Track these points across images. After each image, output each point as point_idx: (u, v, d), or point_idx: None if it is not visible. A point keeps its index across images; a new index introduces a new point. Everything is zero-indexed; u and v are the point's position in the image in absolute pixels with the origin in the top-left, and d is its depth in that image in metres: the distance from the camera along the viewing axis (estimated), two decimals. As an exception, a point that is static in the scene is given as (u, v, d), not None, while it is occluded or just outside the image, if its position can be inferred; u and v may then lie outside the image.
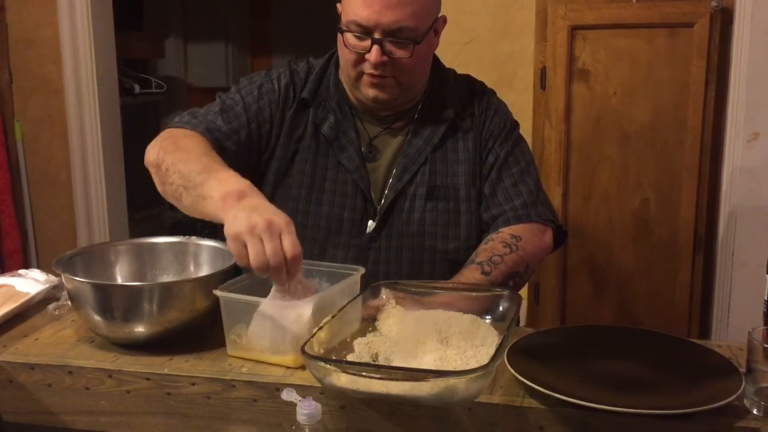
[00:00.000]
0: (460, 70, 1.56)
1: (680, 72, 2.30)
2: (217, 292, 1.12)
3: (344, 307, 1.11)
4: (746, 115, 2.29)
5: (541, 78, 2.44)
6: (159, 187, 1.31)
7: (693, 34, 2.27)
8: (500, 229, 1.41)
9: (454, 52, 2.53)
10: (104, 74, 3.12)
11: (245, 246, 1.03)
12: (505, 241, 1.36)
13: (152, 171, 1.32)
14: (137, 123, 4.01)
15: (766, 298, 1.11)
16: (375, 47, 1.32)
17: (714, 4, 2.24)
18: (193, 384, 1.08)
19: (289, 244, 1.03)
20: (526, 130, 1.57)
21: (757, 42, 2.26)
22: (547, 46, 2.40)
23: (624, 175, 2.39)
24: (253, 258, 1.02)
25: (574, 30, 2.34)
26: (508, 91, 2.51)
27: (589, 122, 2.40)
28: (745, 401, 0.97)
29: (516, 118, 1.54)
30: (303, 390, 1.00)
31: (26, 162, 3.16)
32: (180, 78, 4.88)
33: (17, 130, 3.12)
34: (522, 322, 2.40)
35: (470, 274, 1.30)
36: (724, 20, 2.28)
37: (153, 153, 1.32)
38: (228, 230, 1.05)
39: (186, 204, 1.22)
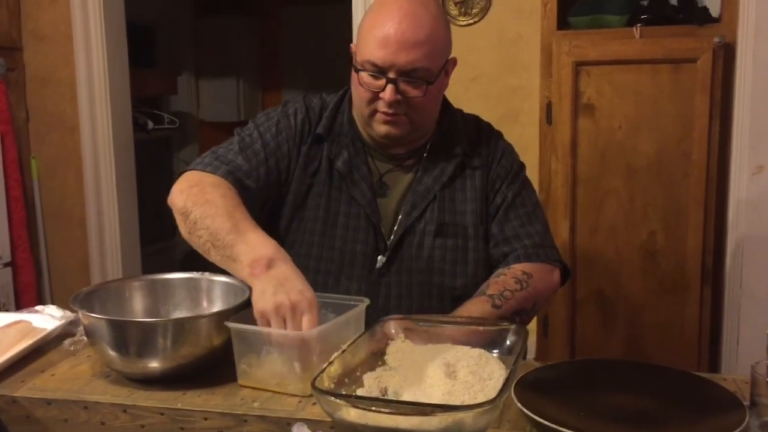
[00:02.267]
0: (467, 106, 1.60)
1: (684, 106, 2.33)
2: (228, 323, 1.15)
3: (354, 341, 1.13)
4: (750, 149, 2.32)
5: (547, 112, 2.47)
6: (184, 235, 1.34)
7: (696, 70, 2.30)
8: (511, 265, 1.43)
9: (462, 87, 2.58)
10: (119, 112, 3.17)
11: (269, 324, 1.14)
12: (517, 277, 1.38)
13: (178, 217, 1.35)
14: (150, 158, 4.06)
15: (768, 331, 1.12)
16: (389, 86, 1.36)
17: (716, 39, 2.28)
18: (206, 419, 1.10)
19: (308, 324, 1.12)
20: (532, 165, 1.60)
21: (760, 77, 2.29)
22: (552, 82, 2.44)
23: (630, 208, 2.41)
24: (275, 337, 1.13)
25: (578, 66, 2.38)
26: (514, 125, 2.55)
27: (595, 156, 2.42)
28: (749, 434, 0.98)
29: (522, 152, 1.57)
30: (313, 424, 1.02)
31: (42, 198, 3.20)
32: (192, 114, 4.95)
33: (33, 167, 3.16)
34: (531, 355, 2.40)
35: (480, 305, 1.32)
36: (726, 56, 2.31)
37: (180, 199, 1.35)
38: (256, 305, 1.15)
39: (214, 259, 1.27)
